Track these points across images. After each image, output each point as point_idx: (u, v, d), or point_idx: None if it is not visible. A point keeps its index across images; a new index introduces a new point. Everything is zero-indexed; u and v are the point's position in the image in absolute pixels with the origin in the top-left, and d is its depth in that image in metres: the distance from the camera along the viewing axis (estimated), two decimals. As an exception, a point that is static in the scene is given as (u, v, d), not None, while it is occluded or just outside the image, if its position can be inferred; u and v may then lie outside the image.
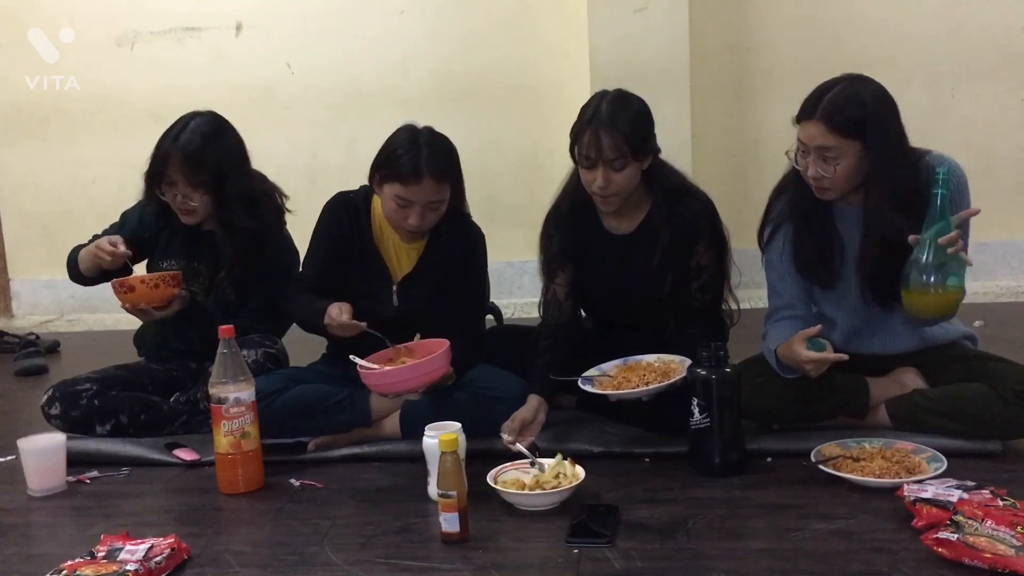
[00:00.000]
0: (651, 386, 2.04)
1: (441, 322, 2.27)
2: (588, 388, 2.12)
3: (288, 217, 2.61)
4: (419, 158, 2.16)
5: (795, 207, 2.18)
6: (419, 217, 2.20)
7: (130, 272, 2.42)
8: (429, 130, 2.26)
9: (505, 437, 2.08)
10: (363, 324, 2.15)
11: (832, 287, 2.18)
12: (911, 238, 1.94)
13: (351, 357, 2.15)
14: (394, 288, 2.33)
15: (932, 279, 1.91)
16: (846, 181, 2.05)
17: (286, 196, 2.59)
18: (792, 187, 2.19)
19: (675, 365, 2.12)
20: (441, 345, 2.13)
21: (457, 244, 2.35)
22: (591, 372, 2.18)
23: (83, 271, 2.47)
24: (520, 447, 2.04)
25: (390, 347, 2.19)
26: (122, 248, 2.37)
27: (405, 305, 2.30)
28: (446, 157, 2.23)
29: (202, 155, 2.37)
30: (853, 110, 2.00)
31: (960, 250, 1.90)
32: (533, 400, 2.17)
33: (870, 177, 2.05)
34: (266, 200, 2.52)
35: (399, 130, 2.25)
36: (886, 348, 2.21)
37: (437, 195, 2.21)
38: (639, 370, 2.15)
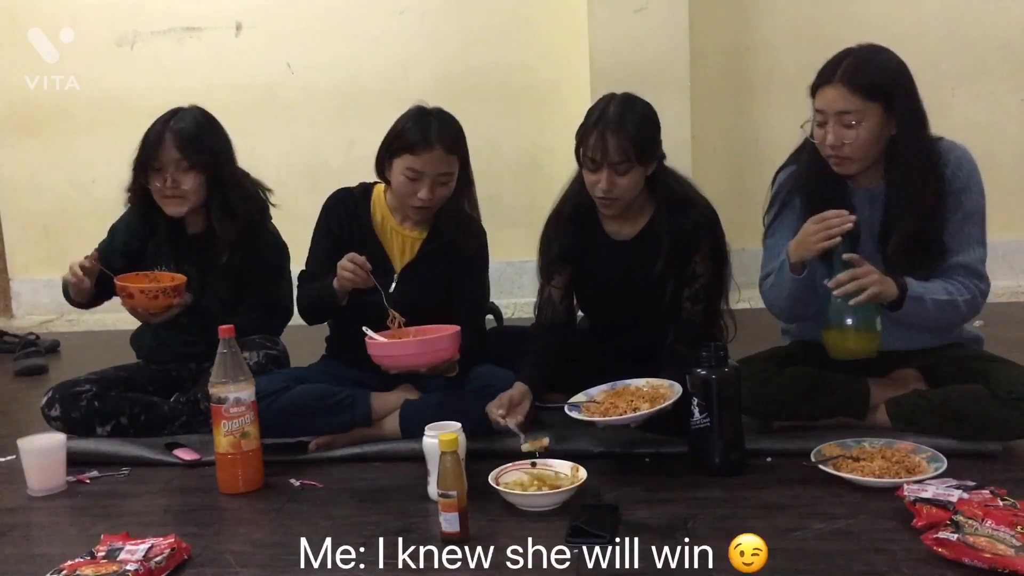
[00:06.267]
0: (639, 412, 2.00)
1: (442, 315, 2.27)
2: (575, 415, 2.08)
3: (287, 216, 2.61)
4: (429, 128, 2.21)
5: (808, 186, 2.16)
6: (429, 190, 2.21)
7: (111, 275, 2.39)
8: (438, 108, 2.30)
9: (495, 411, 2.08)
10: (369, 270, 2.17)
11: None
12: (826, 281, 1.98)
13: (364, 328, 2.16)
14: (394, 277, 2.33)
15: (847, 320, 1.97)
16: (868, 148, 2.04)
17: (269, 190, 2.59)
18: (805, 165, 2.17)
19: (664, 390, 2.09)
20: (451, 328, 2.15)
21: (459, 238, 2.34)
22: (578, 398, 2.15)
23: (74, 297, 2.46)
24: (510, 424, 2.04)
25: (389, 311, 2.20)
26: (87, 262, 2.34)
27: (405, 295, 2.30)
28: (455, 131, 2.26)
29: (197, 135, 2.40)
30: (875, 72, 2.02)
31: (865, 297, 1.93)
32: (520, 385, 2.17)
33: (897, 146, 2.05)
34: (253, 194, 2.53)
35: (408, 109, 2.29)
36: (889, 344, 2.18)
37: (446, 167, 2.22)
38: (627, 395, 2.11)
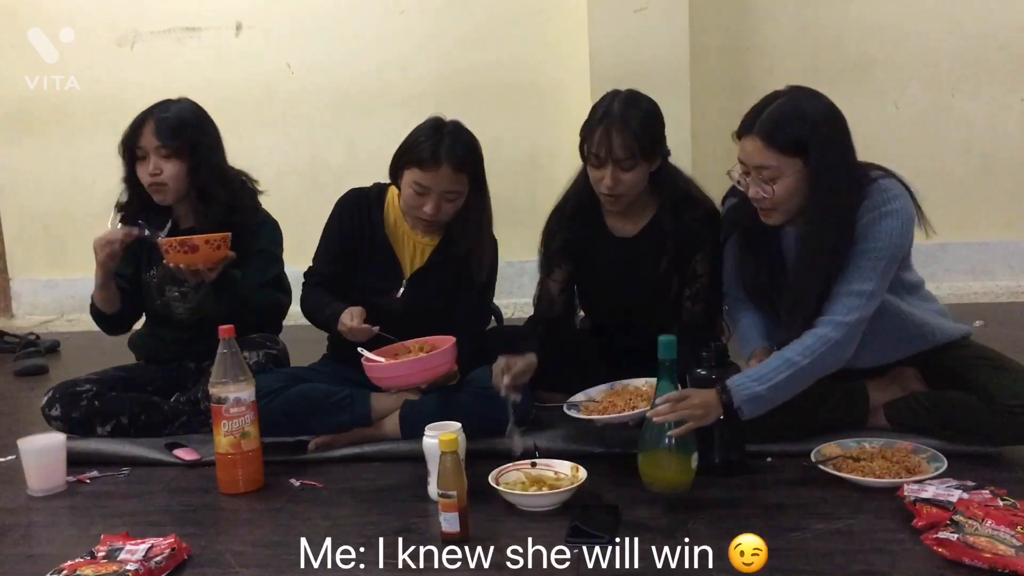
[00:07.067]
0: (638, 410, 2.00)
1: (447, 320, 2.27)
2: (573, 413, 2.09)
3: (287, 216, 2.60)
4: (439, 145, 2.18)
5: (743, 224, 2.11)
6: (435, 206, 2.20)
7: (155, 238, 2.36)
8: (455, 123, 2.27)
9: (503, 379, 2.06)
10: (375, 329, 2.15)
11: (778, 315, 2.09)
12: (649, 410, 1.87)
13: (359, 349, 2.15)
14: (403, 282, 2.32)
15: (662, 446, 1.84)
16: (788, 201, 1.94)
17: (256, 180, 2.58)
18: (739, 203, 2.11)
19: None
20: (447, 341, 2.14)
21: (471, 251, 2.32)
22: (577, 397, 2.16)
23: (104, 301, 2.43)
24: (513, 396, 2.05)
25: (397, 342, 2.19)
26: (124, 230, 2.34)
27: (413, 300, 2.30)
28: (467, 149, 2.24)
29: (178, 122, 2.39)
30: (793, 126, 1.88)
31: (684, 430, 1.82)
32: (530, 355, 2.16)
33: (808, 200, 1.94)
34: (240, 184, 2.52)
35: (426, 120, 2.27)
36: (885, 356, 2.15)
37: (453, 185, 2.21)
38: (626, 395, 2.12)
